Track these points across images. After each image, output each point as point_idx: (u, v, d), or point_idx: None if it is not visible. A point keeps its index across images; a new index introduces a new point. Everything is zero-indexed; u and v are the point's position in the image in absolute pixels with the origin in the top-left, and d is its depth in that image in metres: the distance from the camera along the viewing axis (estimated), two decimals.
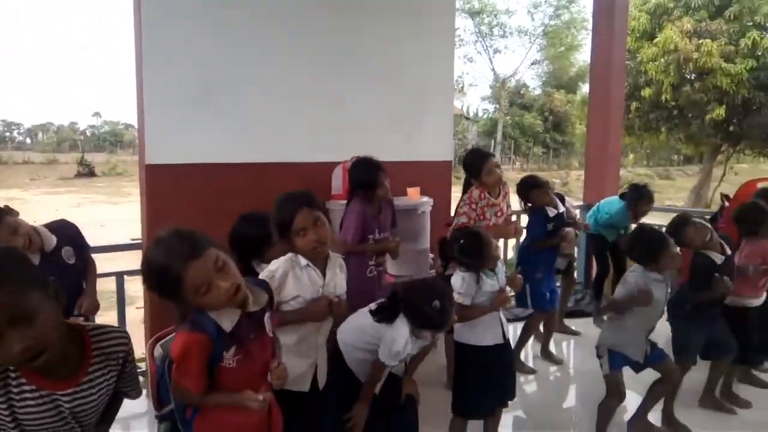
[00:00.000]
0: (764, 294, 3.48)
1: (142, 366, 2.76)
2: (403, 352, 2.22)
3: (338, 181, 3.71)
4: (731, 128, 18.02)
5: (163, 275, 1.48)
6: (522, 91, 34.50)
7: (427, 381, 2.85)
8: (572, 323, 4.92)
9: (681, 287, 3.47)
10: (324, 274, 2.12)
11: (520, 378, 3.89)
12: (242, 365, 1.62)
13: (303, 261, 2.07)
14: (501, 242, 4.32)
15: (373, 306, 2.37)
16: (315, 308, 2.07)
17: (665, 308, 3.08)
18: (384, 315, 2.27)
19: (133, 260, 3.03)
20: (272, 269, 2.07)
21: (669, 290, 3.01)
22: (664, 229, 3.29)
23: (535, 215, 4.01)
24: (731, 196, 4.70)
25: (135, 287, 3.62)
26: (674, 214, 3.40)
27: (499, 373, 2.71)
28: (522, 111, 32.35)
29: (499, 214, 3.70)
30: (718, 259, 3.16)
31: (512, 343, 3.05)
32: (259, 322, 1.68)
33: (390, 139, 4.14)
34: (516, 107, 32.73)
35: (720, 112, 16.86)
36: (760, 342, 3.50)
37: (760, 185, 4.46)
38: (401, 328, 2.23)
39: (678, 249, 2.93)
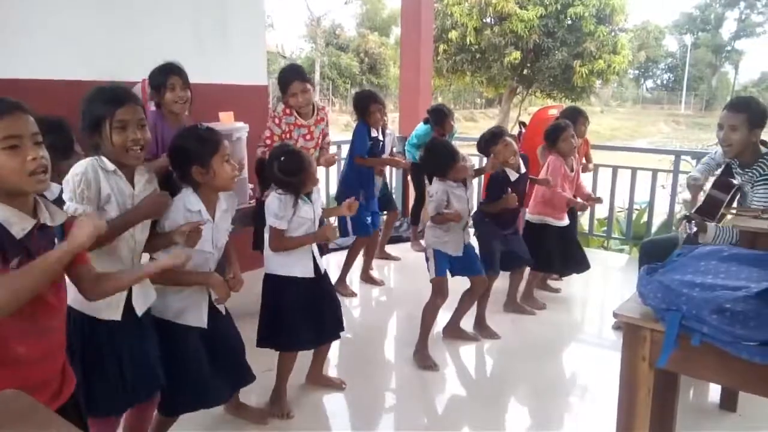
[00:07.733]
0: (566, 217, 3.89)
1: None
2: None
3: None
4: (525, 71, 19.83)
5: None
6: (337, 32, 34.32)
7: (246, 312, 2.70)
8: (391, 249, 5.10)
9: (481, 204, 3.74)
10: (132, 184, 1.85)
11: (345, 301, 3.94)
12: None
13: (110, 165, 1.78)
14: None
15: None
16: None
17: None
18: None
19: None
20: (79, 171, 1.73)
21: (469, 192, 3.20)
22: (476, 143, 3.56)
23: (360, 128, 4.02)
24: (527, 123, 5.13)
25: None
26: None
27: (313, 306, 2.59)
28: (338, 52, 32.24)
29: (308, 137, 3.56)
30: (513, 176, 3.46)
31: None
32: (50, 243, 1.43)
33: (197, 61, 3.74)
34: (332, 47, 32.52)
35: (516, 55, 18.40)
36: (558, 257, 3.92)
37: (550, 111, 4.93)
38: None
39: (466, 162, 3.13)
